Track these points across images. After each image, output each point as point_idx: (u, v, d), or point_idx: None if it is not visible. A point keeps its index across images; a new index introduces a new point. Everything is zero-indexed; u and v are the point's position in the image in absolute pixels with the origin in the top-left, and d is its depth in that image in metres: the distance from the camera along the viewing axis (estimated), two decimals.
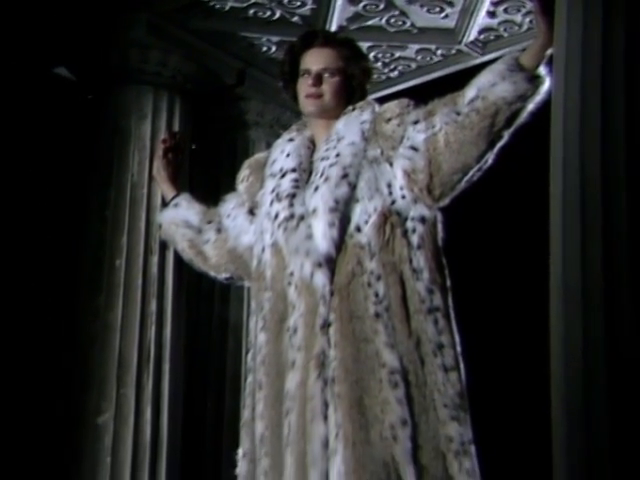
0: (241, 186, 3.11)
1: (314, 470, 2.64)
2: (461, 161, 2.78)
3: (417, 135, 2.82)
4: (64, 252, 5.07)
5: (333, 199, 2.81)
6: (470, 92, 2.80)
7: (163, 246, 4.71)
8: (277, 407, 2.76)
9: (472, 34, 5.11)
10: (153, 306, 4.90)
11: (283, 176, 2.92)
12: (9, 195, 5.07)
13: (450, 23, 5.07)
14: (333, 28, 5.01)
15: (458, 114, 2.78)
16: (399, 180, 2.83)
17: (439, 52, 5.27)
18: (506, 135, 2.79)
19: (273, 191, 2.91)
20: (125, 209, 4.99)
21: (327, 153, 2.89)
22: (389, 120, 2.88)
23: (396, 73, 5.37)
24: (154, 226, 4.79)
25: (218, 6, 5.00)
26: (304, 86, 2.96)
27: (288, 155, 2.97)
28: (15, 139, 5.10)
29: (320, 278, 2.77)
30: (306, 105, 2.97)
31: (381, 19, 5.03)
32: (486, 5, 4.90)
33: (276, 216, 2.87)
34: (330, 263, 2.78)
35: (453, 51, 5.24)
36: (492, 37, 5.12)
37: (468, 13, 4.96)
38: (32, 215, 5.13)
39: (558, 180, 2.90)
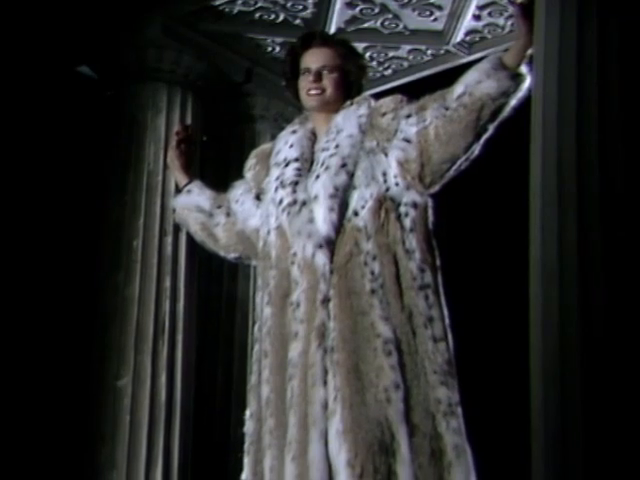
0: (248, 174, 3.09)
1: (314, 429, 2.64)
2: (450, 152, 2.77)
3: (410, 128, 2.81)
4: (87, 233, 5.05)
5: (333, 186, 2.80)
6: (458, 89, 2.79)
7: (177, 228, 4.67)
8: (281, 373, 2.76)
9: (459, 36, 5.07)
10: (167, 282, 4.88)
11: (287, 165, 2.90)
12: (39, 181, 5.06)
13: (439, 26, 5.03)
14: (332, 30, 4.97)
15: (447, 109, 2.77)
16: (393, 169, 2.82)
17: (429, 52, 5.23)
18: (491, 128, 2.78)
19: (278, 179, 2.90)
20: (142, 195, 4.97)
21: (327, 144, 2.87)
22: (384, 114, 2.87)
23: (390, 71, 5.33)
24: (168, 210, 4.76)
25: (227, 10, 4.97)
26: (305, 83, 2.94)
27: (291, 146, 2.95)
28: (43, 132, 5.08)
29: (321, 258, 2.76)
30: (308, 100, 2.95)
31: (376, 22, 5.01)
32: (472, 9, 4.87)
33: (280, 201, 2.85)
34: (330, 244, 2.77)
35: (442, 51, 5.20)
36: (477, 38, 5.08)
37: (455, 16, 4.93)
38: (59, 199, 5.12)
39: (537, 168, 2.91)
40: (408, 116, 2.83)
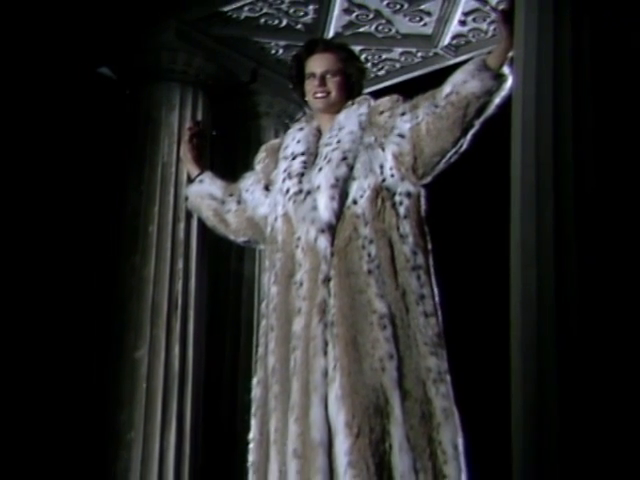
0: (258, 166, 3.08)
1: (315, 394, 2.65)
2: (439, 145, 2.77)
3: (404, 125, 2.81)
4: (108, 220, 5.05)
5: (334, 177, 2.80)
6: (446, 88, 2.79)
7: (189, 215, 4.67)
8: (286, 345, 2.77)
9: (446, 39, 5.05)
10: (180, 264, 4.87)
11: (294, 159, 2.90)
12: (64, 172, 5.06)
13: (428, 30, 5.01)
14: (331, 34, 4.96)
15: (436, 107, 2.77)
16: (389, 162, 2.82)
17: (419, 54, 5.20)
18: (477, 124, 2.77)
19: (285, 171, 2.90)
20: (157, 184, 4.95)
21: (330, 140, 2.88)
22: (382, 113, 2.87)
23: (383, 72, 5.30)
24: (181, 199, 4.76)
25: (234, 16, 4.95)
26: (311, 87, 2.93)
27: (298, 142, 2.94)
28: (67, 127, 5.07)
29: (322, 242, 2.77)
30: (315, 103, 2.95)
31: (371, 27, 4.98)
32: (458, 15, 4.84)
33: (287, 191, 2.85)
34: (331, 229, 2.78)
35: (431, 54, 5.18)
36: (463, 42, 5.06)
37: (443, 22, 4.91)
38: (81, 189, 5.12)
39: (518, 160, 2.92)
40: (403, 114, 2.83)
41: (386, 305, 2.70)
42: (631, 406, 2.55)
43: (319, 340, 2.70)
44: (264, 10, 4.93)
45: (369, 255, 2.74)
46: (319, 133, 2.96)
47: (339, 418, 2.62)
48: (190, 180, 3.24)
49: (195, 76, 5.14)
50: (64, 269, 4.97)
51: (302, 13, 4.93)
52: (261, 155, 3.10)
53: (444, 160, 2.81)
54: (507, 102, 2.84)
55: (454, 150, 2.80)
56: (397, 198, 2.81)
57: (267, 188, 3.02)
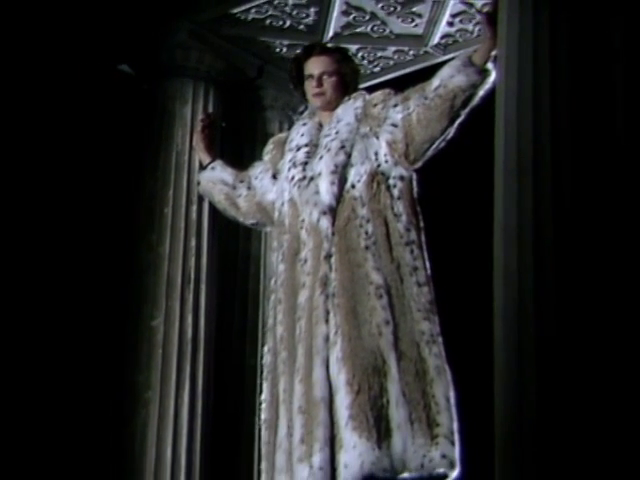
0: (266, 157, 3.11)
1: (318, 357, 2.69)
2: (429, 134, 2.80)
3: (396, 115, 2.84)
4: (127, 203, 5.07)
5: (333, 164, 2.84)
6: (435, 82, 2.82)
7: (200, 198, 4.62)
8: (292, 315, 2.80)
9: (435, 39, 5.02)
10: (193, 242, 4.86)
11: (298, 150, 2.94)
12: (87, 160, 5.07)
13: (419, 30, 4.99)
14: (330, 34, 4.96)
15: (426, 98, 2.80)
16: (383, 149, 2.85)
17: (411, 53, 5.17)
18: (463, 114, 2.80)
19: (291, 161, 2.93)
20: (171, 171, 4.94)
21: (329, 131, 2.91)
22: (375, 105, 2.90)
23: (378, 69, 5.27)
24: (194, 183, 4.70)
25: (243, 17, 4.93)
26: (310, 87, 2.96)
27: (302, 135, 2.97)
28: (90, 120, 5.07)
29: (324, 222, 2.81)
30: (314, 102, 2.99)
31: (367, 27, 4.96)
32: (446, 17, 4.83)
33: (292, 178, 2.89)
34: (332, 211, 2.82)
35: (421, 52, 5.15)
36: (451, 41, 5.03)
37: (432, 23, 4.90)
38: (102, 175, 5.13)
39: (500, 148, 2.93)
40: (395, 105, 2.85)
41: (382, 277, 2.73)
42: (608, 375, 2.55)
43: (321, 310, 2.73)
44: (269, 12, 4.93)
45: (366, 233, 2.78)
46: (320, 127, 2.99)
47: (340, 377, 2.65)
48: (202, 167, 3.25)
49: (206, 72, 5.12)
50: (89, 248, 5.00)
51: (304, 15, 4.93)
52: (269, 147, 3.13)
53: (433, 147, 2.84)
54: (491, 95, 2.86)
55: (442, 138, 2.82)
56: (391, 181, 2.84)
57: (274, 177, 3.04)
